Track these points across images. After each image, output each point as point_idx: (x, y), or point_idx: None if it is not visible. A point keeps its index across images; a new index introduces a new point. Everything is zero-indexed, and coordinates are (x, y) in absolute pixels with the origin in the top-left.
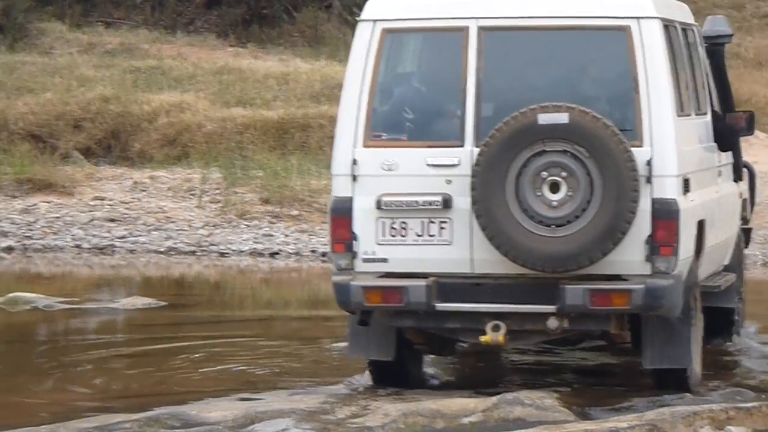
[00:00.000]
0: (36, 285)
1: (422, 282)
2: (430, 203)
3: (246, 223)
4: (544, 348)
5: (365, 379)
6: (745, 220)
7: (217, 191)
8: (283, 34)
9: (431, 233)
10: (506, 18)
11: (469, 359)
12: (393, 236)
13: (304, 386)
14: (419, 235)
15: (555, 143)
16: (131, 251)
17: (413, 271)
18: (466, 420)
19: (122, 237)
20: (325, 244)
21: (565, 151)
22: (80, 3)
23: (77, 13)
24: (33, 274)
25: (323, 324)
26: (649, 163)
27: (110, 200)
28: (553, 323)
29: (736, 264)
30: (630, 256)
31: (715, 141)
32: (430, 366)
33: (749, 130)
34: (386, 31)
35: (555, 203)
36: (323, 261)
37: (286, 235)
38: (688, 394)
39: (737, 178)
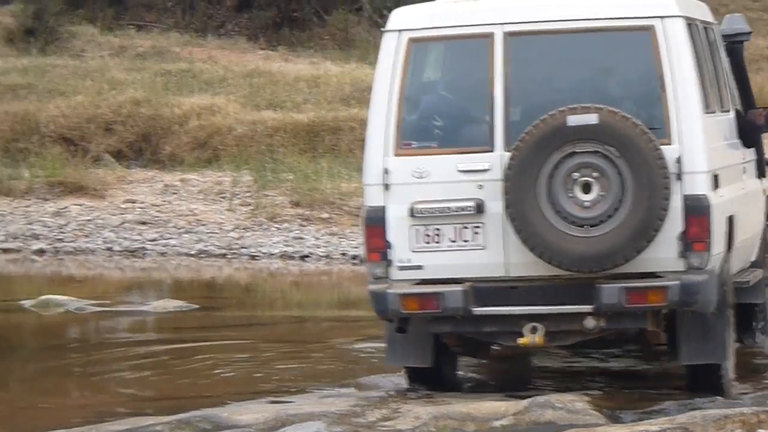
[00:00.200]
0: (67, 288)
1: (459, 287)
2: (463, 209)
3: (276, 226)
4: (575, 351)
5: (397, 380)
6: None
7: (248, 194)
8: (313, 37)
9: (465, 239)
10: (531, 23)
11: (500, 362)
12: (427, 243)
13: (335, 388)
14: (453, 241)
15: (585, 144)
16: (162, 254)
17: (448, 277)
18: (496, 423)
19: (153, 240)
20: (355, 247)
21: (595, 152)
22: (111, 6)
23: (108, 16)
24: (64, 276)
25: (354, 326)
26: (678, 160)
27: (141, 203)
28: (590, 323)
29: (761, 260)
30: (664, 253)
31: (739, 138)
32: (461, 369)
33: (767, 127)
34: (412, 41)
35: (587, 204)
36: (353, 264)
37: (317, 238)
38: (719, 398)
39: (761, 174)
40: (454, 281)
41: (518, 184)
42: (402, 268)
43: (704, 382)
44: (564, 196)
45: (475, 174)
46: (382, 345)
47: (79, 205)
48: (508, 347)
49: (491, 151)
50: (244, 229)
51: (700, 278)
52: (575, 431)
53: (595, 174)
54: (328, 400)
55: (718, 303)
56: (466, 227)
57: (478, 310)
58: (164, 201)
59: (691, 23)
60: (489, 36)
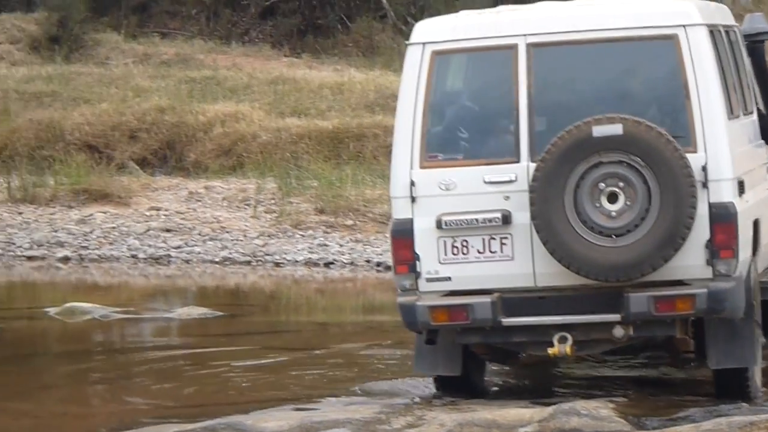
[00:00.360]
0: (92, 295)
1: (487, 298)
2: (490, 220)
3: (301, 233)
4: (601, 359)
5: (423, 386)
6: None
7: (272, 201)
8: (337, 44)
9: (492, 250)
10: (554, 33)
11: (525, 369)
12: (455, 255)
13: (359, 395)
14: (480, 252)
15: (610, 154)
16: (187, 261)
17: (477, 288)
18: (522, 430)
19: (178, 247)
20: (380, 254)
21: (621, 162)
22: (136, 14)
23: (133, 23)
24: (89, 284)
25: (378, 331)
26: (704, 168)
27: (166, 210)
28: (618, 331)
29: None
30: (691, 261)
31: (762, 138)
32: (487, 376)
33: None
34: (436, 53)
35: (614, 213)
36: (378, 271)
37: (341, 245)
38: (744, 404)
39: None
40: (483, 292)
41: (544, 195)
42: (430, 280)
43: (732, 387)
44: (590, 206)
45: (501, 185)
46: (407, 351)
47: (104, 212)
48: (533, 355)
49: (517, 162)
50: (268, 236)
51: (727, 285)
52: None
53: (621, 184)
54: (353, 407)
55: (746, 307)
56: (493, 238)
57: (507, 321)
58: (189, 208)
59: (713, 29)
60: (512, 47)
